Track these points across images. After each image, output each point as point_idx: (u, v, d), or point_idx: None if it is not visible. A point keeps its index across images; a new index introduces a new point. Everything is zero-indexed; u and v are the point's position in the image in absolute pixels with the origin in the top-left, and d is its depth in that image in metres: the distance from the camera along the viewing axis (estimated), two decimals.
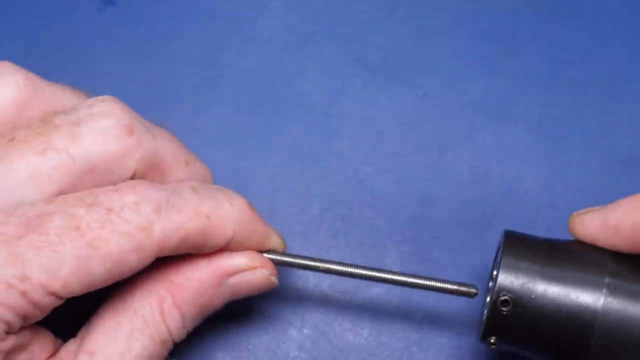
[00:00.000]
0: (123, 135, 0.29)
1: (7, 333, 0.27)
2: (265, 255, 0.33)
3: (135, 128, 0.30)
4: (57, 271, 0.27)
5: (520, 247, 0.31)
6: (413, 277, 0.32)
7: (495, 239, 0.39)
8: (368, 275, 0.33)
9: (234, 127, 0.42)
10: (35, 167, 0.28)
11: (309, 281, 0.38)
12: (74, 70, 0.44)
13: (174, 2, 0.46)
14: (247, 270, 0.32)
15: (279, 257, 0.33)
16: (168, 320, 0.30)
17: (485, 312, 0.32)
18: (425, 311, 0.37)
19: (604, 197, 0.40)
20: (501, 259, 0.31)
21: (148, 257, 0.29)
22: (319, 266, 0.33)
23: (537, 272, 0.31)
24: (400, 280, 0.32)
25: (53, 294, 0.27)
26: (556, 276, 0.30)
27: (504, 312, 0.30)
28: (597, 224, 0.31)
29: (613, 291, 0.30)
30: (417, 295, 0.37)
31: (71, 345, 0.30)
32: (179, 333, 0.31)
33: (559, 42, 0.45)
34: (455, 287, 0.32)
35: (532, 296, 0.30)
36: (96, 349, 0.29)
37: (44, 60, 0.44)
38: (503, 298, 0.30)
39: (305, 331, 0.37)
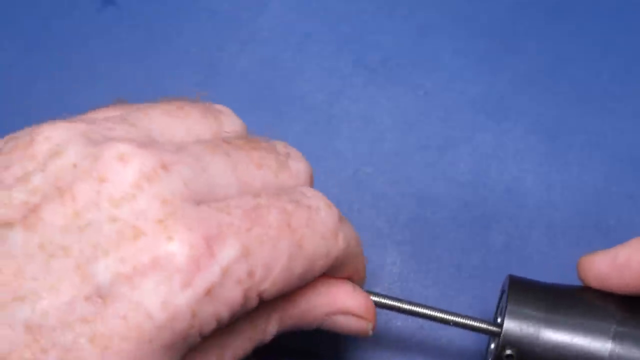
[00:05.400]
0: (309, 182, 0.30)
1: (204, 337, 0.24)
2: (373, 298, 0.31)
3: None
4: (272, 269, 0.25)
5: (526, 293, 0.31)
6: None
7: (495, 239, 0.39)
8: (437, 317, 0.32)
9: None
10: (252, 176, 0.27)
11: None
12: (74, 70, 0.44)
13: (174, 1, 0.46)
14: (357, 317, 0.31)
15: (382, 300, 0.32)
16: (269, 328, 0.29)
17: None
18: None
19: (604, 197, 0.40)
20: (506, 305, 0.31)
21: (326, 267, 0.27)
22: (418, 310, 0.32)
23: (542, 320, 0.30)
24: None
25: (259, 294, 0.25)
26: (562, 323, 0.30)
27: None
28: (606, 264, 0.31)
29: (620, 338, 0.29)
30: (416, 296, 0.37)
31: None
32: (268, 339, 0.30)
33: (559, 41, 0.45)
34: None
35: (538, 343, 0.30)
36: None
37: (44, 60, 0.44)
38: (507, 353, 0.30)
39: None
